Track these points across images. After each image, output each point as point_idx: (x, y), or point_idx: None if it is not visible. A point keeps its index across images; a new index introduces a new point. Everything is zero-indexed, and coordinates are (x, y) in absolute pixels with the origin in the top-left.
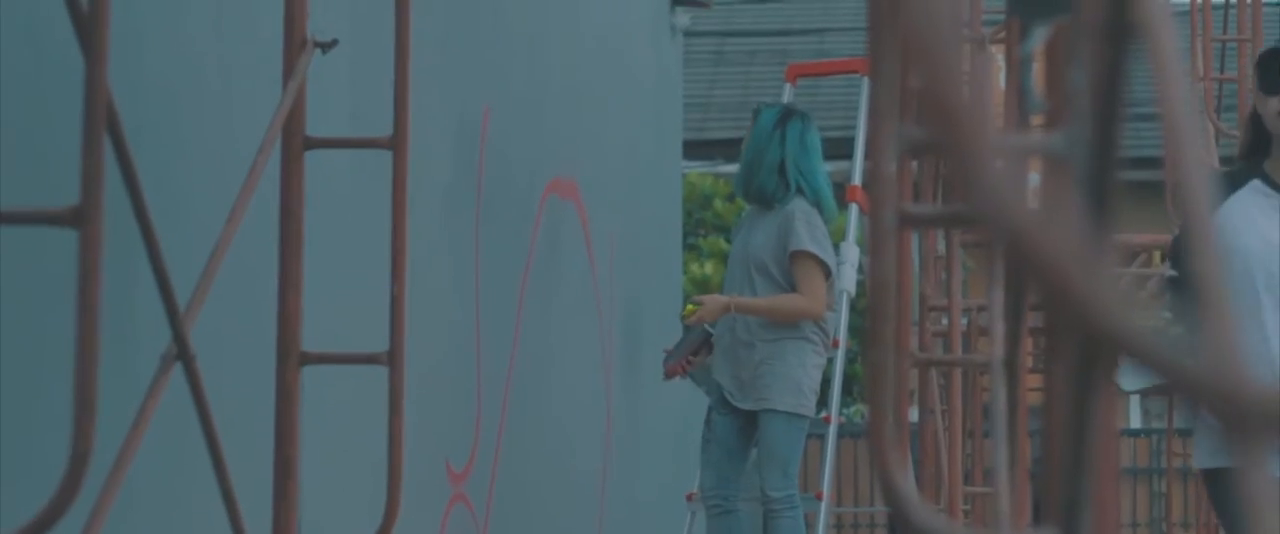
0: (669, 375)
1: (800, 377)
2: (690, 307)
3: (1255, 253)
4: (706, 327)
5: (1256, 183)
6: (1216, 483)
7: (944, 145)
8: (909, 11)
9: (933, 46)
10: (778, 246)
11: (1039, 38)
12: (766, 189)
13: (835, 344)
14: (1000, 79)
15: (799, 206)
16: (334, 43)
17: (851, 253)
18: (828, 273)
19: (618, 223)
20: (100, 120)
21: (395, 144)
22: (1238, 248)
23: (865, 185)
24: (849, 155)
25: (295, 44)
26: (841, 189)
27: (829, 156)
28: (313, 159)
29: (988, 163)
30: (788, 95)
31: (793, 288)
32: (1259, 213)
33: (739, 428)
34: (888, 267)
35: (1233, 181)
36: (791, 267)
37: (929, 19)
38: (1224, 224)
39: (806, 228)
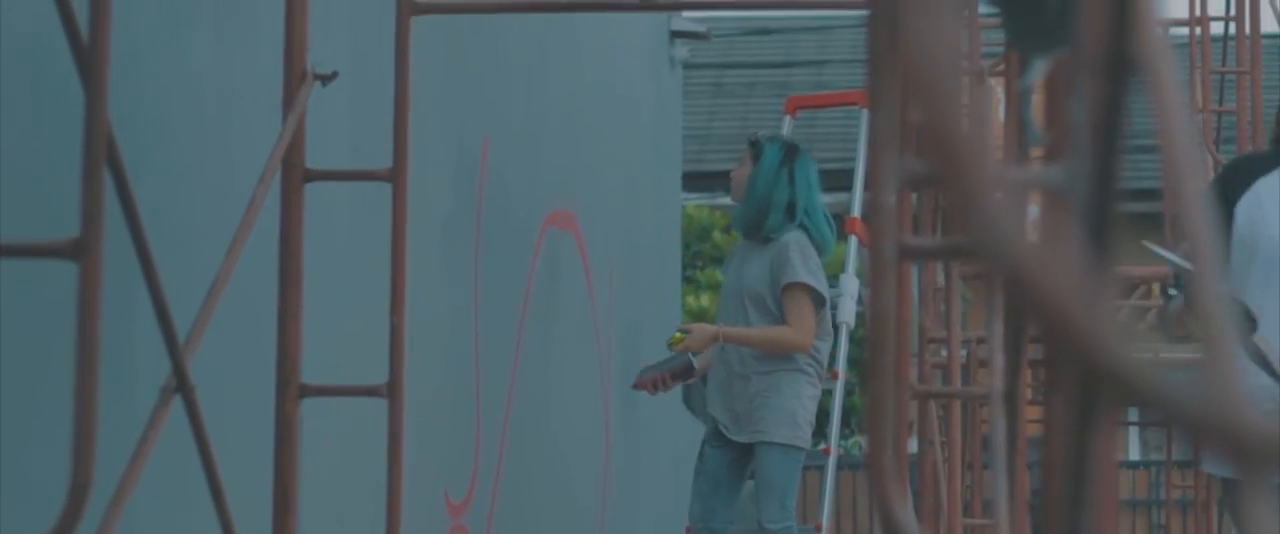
0: (637, 386)
1: (795, 408)
2: (678, 334)
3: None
4: (691, 355)
5: None
6: (1229, 489)
7: (944, 178)
8: (908, 45)
9: (932, 79)
10: (772, 279)
11: (1038, 71)
12: (773, 228)
13: (835, 375)
14: (1000, 112)
15: (795, 238)
16: (334, 75)
17: (851, 285)
18: (821, 304)
19: (617, 254)
20: (100, 152)
21: (394, 176)
22: (1264, 234)
23: (865, 217)
24: (848, 187)
25: (295, 76)
26: (841, 221)
27: (828, 189)
28: (312, 191)
29: (987, 196)
30: (787, 127)
31: (783, 320)
32: None
33: (731, 461)
34: (887, 299)
35: (1264, 165)
36: (783, 297)
37: (928, 52)
38: (1252, 208)
39: (801, 259)
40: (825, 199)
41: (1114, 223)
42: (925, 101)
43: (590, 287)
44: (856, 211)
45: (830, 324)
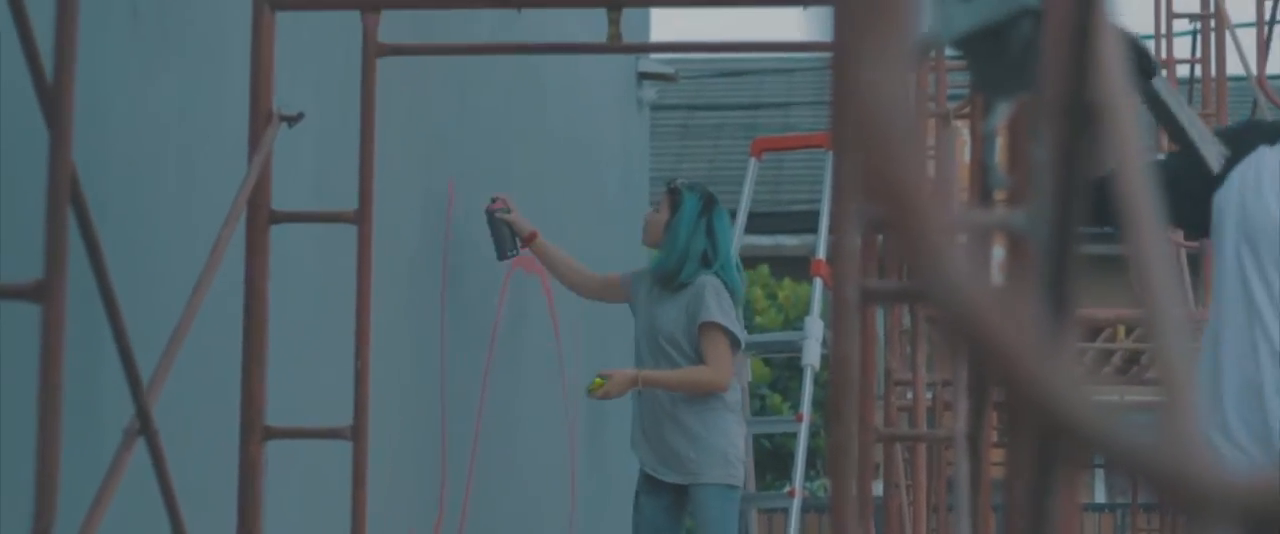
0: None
1: (726, 446)
2: (598, 380)
3: (1267, 217)
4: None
5: None
6: None
7: (893, 223)
8: (858, 90)
9: (881, 125)
10: (688, 321)
11: (1001, 114)
12: (689, 275)
13: (799, 418)
14: (965, 154)
15: (710, 281)
16: (300, 116)
17: (816, 327)
18: (736, 347)
19: (582, 300)
20: (64, 194)
21: (360, 218)
22: (1252, 208)
23: (829, 260)
24: (814, 229)
25: (261, 117)
26: (807, 263)
27: (794, 230)
28: (278, 232)
29: (936, 241)
30: (752, 169)
31: (702, 360)
32: None
33: (666, 506)
34: (850, 343)
35: (1269, 135)
36: (700, 338)
37: (878, 97)
38: (1244, 178)
39: (717, 301)
40: (793, 240)
41: (1075, 266)
42: (873, 147)
43: (556, 329)
44: (821, 254)
45: (746, 368)
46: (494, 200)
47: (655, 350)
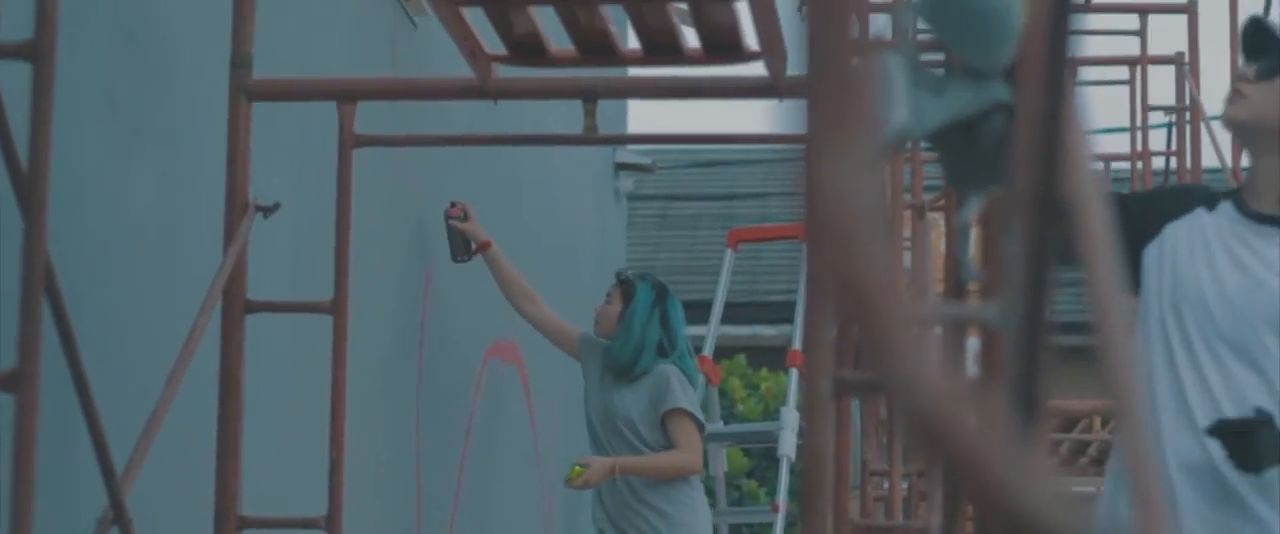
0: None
1: (694, 523)
2: (576, 469)
3: (1197, 287)
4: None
5: (1228, 206)
6: None
7: (854, 318)
8: (817, 185)
9: (840, 220)
10: (652, 409)
11: (974, 208)
12: (646, 366)
13: (775, 508)
14: (941, 245)
15: (671, 370)
16: (276, 206)
17: (791, 417)
18: (701, 429)
19: (560, 386)
20: (39, 282)
21: (335, 308)
22: (1182, 274)
23: (804, 350)
24: (790, 319)
25: (237, 207)
26: (783, 353)
27: (770, 320)
28: (253, 322)
29: (896, 337)
30: (729, 260)
31: (664, 447)
32: (1219, 242)
33: None
34: (824, 436)
35: (1207, 200)
36: (668, 424)
37: (839, 192)
38: (1177, 238)
39: (681, 389)
40: (771, 330)
41: (1045, 359)
42: (834, 242)
43: (533, 418)
44: (798, 344)
45: (720, 458)
46: (453, 205)
47: (614, 434)
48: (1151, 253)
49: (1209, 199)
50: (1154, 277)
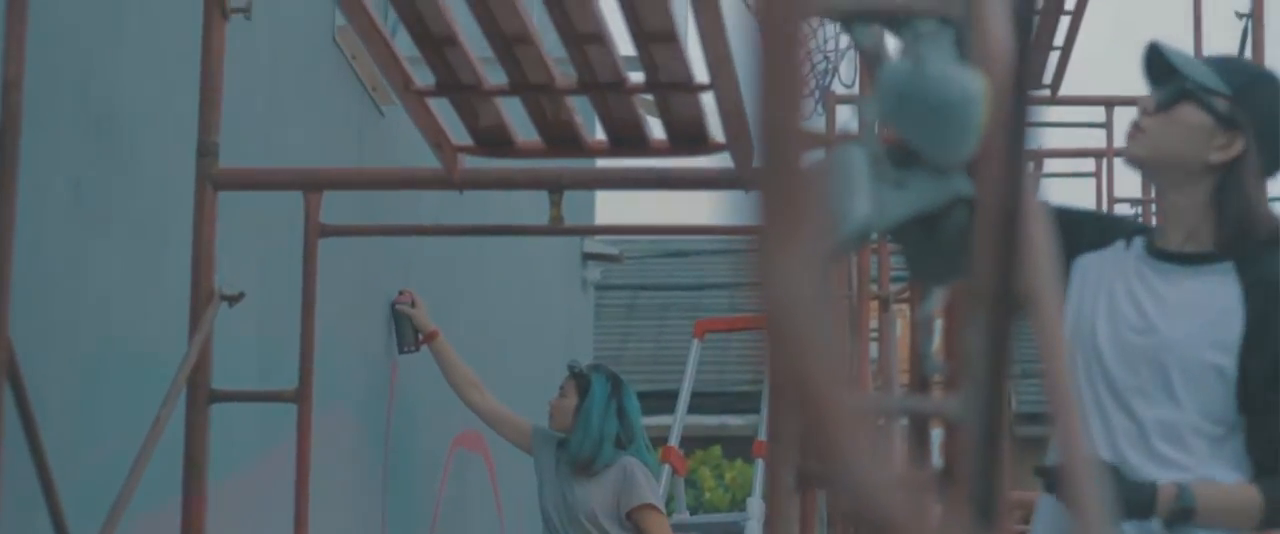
0: None
1: None
2: None
3: (1091, 329)
4: None
5: (1140, 243)
6: None
7: (801, 412)
8: (764, 280)
9: (787, 314)
10: (617, 503)
11: (936, 301)
12: (606, 458)
13: None
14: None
15: (635, 463)
16: (240, 296)
17: (758, 508)
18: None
19: (527, 475)
20: (2, 371)
21: (300, 397)
22: (1084, 307)
23: (768, 441)
24: (757, 410)
25: (202, 296)
26: (750, 443)
27: (737, 410)
28: (218, 410)
29: (840, 432)
30: (695, 350)
31: None
32: (1122, 281)
33: None
34: (788, 528)
35: (1130, 234)
36: (636, 519)
37: (785, 287)
38: (1081, 277)
39: (646, 481)
40: (738, 420)
41: (1004, 452)
42: (780, 336)
43: (500, 508)
44: (763, 435)
45: None
46: (400, 293)
47: (574, 526)
48: (1078, 266)
49: (1131, 233)
50: (1070, 295)
